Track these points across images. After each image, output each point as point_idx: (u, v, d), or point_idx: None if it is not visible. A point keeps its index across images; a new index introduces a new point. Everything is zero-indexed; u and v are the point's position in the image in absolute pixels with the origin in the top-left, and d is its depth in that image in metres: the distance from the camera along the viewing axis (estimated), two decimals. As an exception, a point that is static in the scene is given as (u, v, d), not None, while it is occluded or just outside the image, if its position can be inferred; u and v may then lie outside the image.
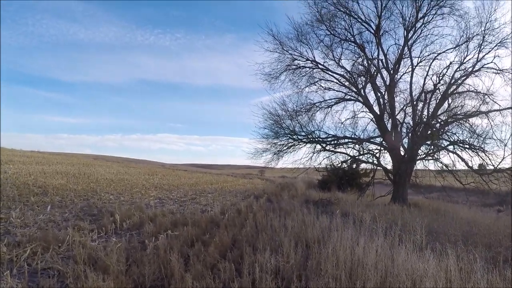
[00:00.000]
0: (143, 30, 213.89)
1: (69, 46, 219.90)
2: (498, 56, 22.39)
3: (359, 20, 24.01)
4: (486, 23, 22.12)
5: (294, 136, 24.83)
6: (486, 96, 22.61)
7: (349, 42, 24.52)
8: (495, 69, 22.54)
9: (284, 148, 24.96)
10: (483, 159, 22.20)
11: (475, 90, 23.14)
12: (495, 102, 22.51)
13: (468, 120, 22.73)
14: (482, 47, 22.51)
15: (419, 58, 24.55)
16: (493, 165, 21.52)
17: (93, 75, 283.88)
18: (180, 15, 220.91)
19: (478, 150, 22.01)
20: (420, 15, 23.33)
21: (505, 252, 9.33)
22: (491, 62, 22.58)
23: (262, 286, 5.83)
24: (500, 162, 21.05)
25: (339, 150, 25.65)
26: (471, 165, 22.46)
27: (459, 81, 23.53)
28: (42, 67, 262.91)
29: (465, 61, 23.21)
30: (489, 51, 22.48)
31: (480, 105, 22.76)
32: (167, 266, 7.10)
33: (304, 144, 25.09)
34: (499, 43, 22.06)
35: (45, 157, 49.74)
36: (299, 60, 24.72)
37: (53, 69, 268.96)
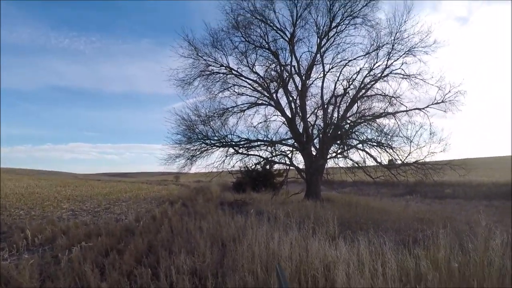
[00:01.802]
0: (57, 32, 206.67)
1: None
2: (406, 63, 23.98)
3: (275, 28, 24.69)
4: (396, 33, 23.53)
5: (207, 141, 24.93)
6: (393, 99, 23.96)
7: (264, 49, 25.13)
8: (403, 74, 24.01)
9: (197, 153, 25.01)
10: (391, 155, 23.36)
11: (383, 93, 24.44)
12: (401, 103, 23.88)
13: (376, 121, 23.88)
14: (391, 54, 23.94)
15: (331, 65, 25.64)
16: (401, 160, 22.69)
17: (3, 81, 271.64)
18: (97, 17, 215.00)
19: (386, 147, 23.26)
20: (334, 24, 24.34)
21: (414, 234, 9.76)
22: (399, 68, 24.11)
23: (179, 287, 5.83)
24: (407, 156, 22.39)
25: (252, 152, 26.02)
26: (379, 161, 23.48)
27: (368, 86, 24.84)
28: None
29: (374, 67, 24.58)
30: (398, 59, 24.00)
31: (387, 106, 23.98)
32: (83, 277, 6.97)
33: (217, 148, 25.31)
34: (407, 51, 23.56)
35: None
36: (213, 66, 25.00)
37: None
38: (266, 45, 24.84)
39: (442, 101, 22.84)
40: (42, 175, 68.89)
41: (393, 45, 23.55)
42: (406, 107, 23.74)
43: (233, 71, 25.11)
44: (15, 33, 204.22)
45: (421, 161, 22.32)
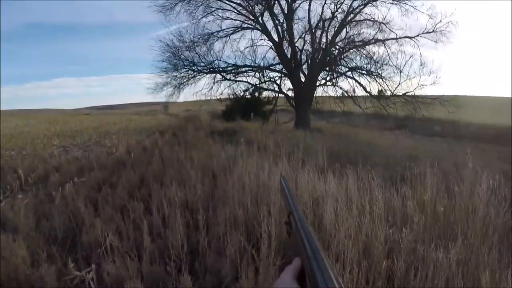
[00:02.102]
0: None
1: None
2: None
3: None
4: None
5: (193, 67, 24.97)
6: (382, 25, 23.53)
7: (246, -30, 24.08)
8: None
9: (185, 80, 25.18)
10: (380, 85, 23.38)
11: (372, 19, 23.93)
12: (391, 31, 23.69)
13: (365, 47, 23.68)
14: None
15: (317, -14, 24.56)
16: (390, 91, 22.68)
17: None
18: None
19: (375, 76, 23.25)
20: None
21: (402, 171, 9.91)
22: None
23: (171, 221, 5.94)
24: (396, 87, 22.38)
25: (240, 78, 25.99)
26: (369, 90, 23.50)
27: (357, 10, 24.19)
28: None
29: None
30: None
31: (376, 33, 23.69)
32: (77, 214, 7.05)
33: (204, 74, 25.39)
34: None
35: None
36: (194, -12, 24.07)
37: None
38: None
39: (433, 31, 22.67)
40: (29, 114, 68.17)
41: None
42: (396, 34, 23.65)
43: (215, -6, 24.39)
44: None
45: (410, 93, 22.36)
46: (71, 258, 5.22)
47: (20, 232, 6.28)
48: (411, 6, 22.85)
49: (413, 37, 23.25)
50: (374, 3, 23.80)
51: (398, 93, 22.59)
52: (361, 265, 4.19)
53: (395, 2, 23.21)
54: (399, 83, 22.45)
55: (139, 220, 6.36)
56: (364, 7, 24.18)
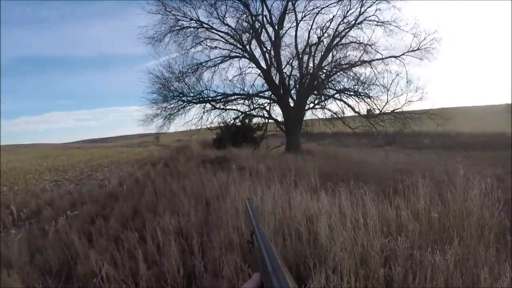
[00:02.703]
0: (17, 1, 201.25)
1: None
2: (380, 9, 23.58)
3: None
4: None
5: (183, 98, 25.02)
6: (368, 46, 23.92)
7: (233, 0, 24.42)
8: (377, 21, 23.78)
9: (175, 111, 25.14)
10: (368, 104, 23.62)
11: (358, 41, 24.26)
12: (377, 51, 23.95)
13: (352, 69, 24.04)
14: (364, 1, 23.56)
15: (303, 13, 25.11)
16: (379, 109, 22.88)
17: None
18: None
19: (363, 96, 23.45)
20: None
21: (394, 185, 9.93)
22: (373, 15, 23.77)
23: (166, 248, 5.93)
24: (384, 105, 22.61)
25: (229, 107, 26.09)
26: (358, 111, 23.71)
27: (343, 34, 24.63)
28: None
29: (348, 14, 24.25)
30: (371, 5, 23.66)
31: (362, 54, 24.07)
32: (71, 247, 7.00)
33: (194, 104, 25.41)
34: None
35: None
36: (183, 20, 24.58)
37: None
38: None
39: (418, 49, 22.88)
40: (20, 149, 68.24)
41: None
42: (382, 55, 23.86)
43: (204, 25, 24.76)
44: None
45: (398, 110, 22.57)
46: (67, 289, 5.21)
47: (15, 266, 6.24)
48: (396, 26, 23.18)
49: (399, 56, 23.46)
50: (359, 25, 24.18)
51: (386, 111, 22.76)
52: (359, 274, 4.21)
53: (380, 24, 23.60)
54: (387, 101, 22.64)
55: (133, 249, 6.34)
56: (349, 30, 24.50)
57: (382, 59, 23.68)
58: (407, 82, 22.59)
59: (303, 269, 5.04)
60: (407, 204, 6.39)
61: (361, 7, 23.66)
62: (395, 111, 22.63)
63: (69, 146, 75.50)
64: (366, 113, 24.23)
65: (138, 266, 5.34)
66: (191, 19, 24.46)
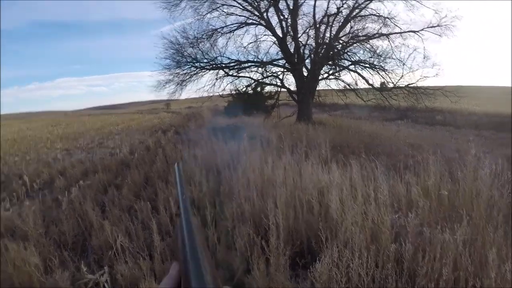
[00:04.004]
0: None
1: None
2: None
3: None
4: None
5: (196, 64, 24.75)
6: (387, 20, 23.36)
7: (253, -34, 24.00)
8: None
9: (187, 77, 24.91)
10: (383, 77, 23.35)
11: (377, 14, 23.75)
12: (396, 25, 23.36)
13: (369, 42, 23.62)
14: None
15: (324, -18, 24.43)
16: (393, 83, 22.67)
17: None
18: None
19: (378, 69, 23.15)
20: None
21: (404, 160, 9.91)
22: None
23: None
24: (399, 79, 22.33)
25: (242, 74, 25.88)
26: (371, 83, 23.48)
27: (363, 5, 24.00)
28: None
29: None
30: None
31: (381, 27, 23.59)
32: (85, 218, 7.10)
33: (207, 71, 25.13)
34: None
35: None
36: (200, -16, 24.08)
37: None
38: None
39: (438, 25, 22.37)
40: (32, 117, 68.39)
41: None
42: (401, 29, 23.37)
43: (221, -11, 24.34)
44: None
45: (413, 84, 22.33)
46: (84, 262, 5.29)
47: (30, 239, 6.30)
48: (417, 1, 22.53)
49: (418, 31, 22.97)
50: (380, -2, 23.68)
51: (400, 85, 22.56)
52: (370, 250, 4.24)
53: None
54: (402, 75, 22.35)
55: (147, 220, 6.41)
56: (370, 2, 23.92)
57: (401, 33, 23.26)
58: (424, 58, 22.24)
59: (315, 242, 5.09)
60: (418, 180, 6.40)
61: None
62: (409, 85, 22.43)
63: (80, 113, 75.55)
64: (379, 86, 24.04)
65: (152, 237, 5.40)
66: (209, -16, 24.10)
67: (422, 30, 22.99)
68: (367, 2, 23.91)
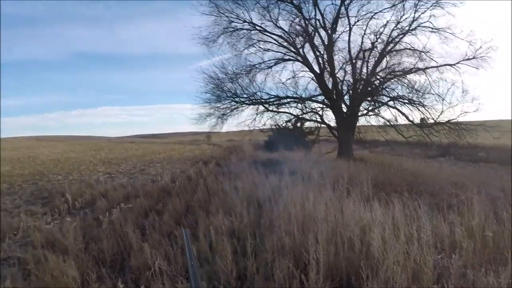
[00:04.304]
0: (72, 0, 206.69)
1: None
2: (434, 16, 23.11)
3: None
4: None
5: (236, 99, 25.11)
6: (422, 54, 23.39)
7: (286, 3, 24.41)
8: (431, 28, 23.20)
9: (228, 111, 25.28)
10: (423, 113, 23.11)
11: (412, 48, 23.77)
12: (431, 59, 23.34)
13: (406, 77, 23.54)
14: (418, 6, 23.10)
15: (357, 18, 24.75)
16: (433, 119, 22.39)
17: (25, 53, 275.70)
18: None
19: (417, 105, 22.99)
20: None
21: (448, 199, 9.74)
22: (427, 21, 23.27)
23: (219, 247, 5.99)
24: (439, 115, 22.04)
25: (282, 110, 26.01)
26: (411, 119, 23.27)
27: (397, 40, 24.14)
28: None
29: (401, 20, 23.80)
30: (425, 11, 23.17)
31: (417, 62, 23.54)
32: (125, 239, 7.18)
33: (247, 106, 25.40)
34: (434, 3, 22.69)
35: (-15, 145, 48.47)
36: (236, 22, 24.68)
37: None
38: None
39: (474, 57, 22.15)
40: (75, 140, 69.97)
41: None
42: (437, 62, 23.29)
43: (257, 27, 24.86)
44: (29, 6, 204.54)
45: (453, 120, 21.99)
46: (121, 280, 5.34)
47: (70, 253, 6.46)
48: (451, 33, 22.67)
49: (454, 64, 22.85)
50: (413, 31, 23.77)
51: (441, 121, 22.23)
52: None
53: (434, 30, 23.12)
54: (442, 111, 22.03)
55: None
56: (403, 36, 24.12)
57: (437, 66, 23.19)
58: (463, 92, 21.92)
59: (354, 279, 5.03)
60: (462, 220, 6.28)
61: (415, 13, 23.30)
62: (450, 121, 22.12)
63: (122, 140, 76.82)
64: (419, 122, 23.77)
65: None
66: (244, 21, 24.68)
67: (458, 63, 22.90)
68: (400, 36, 24.09)
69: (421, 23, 23.40)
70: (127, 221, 8.37)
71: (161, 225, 8.25)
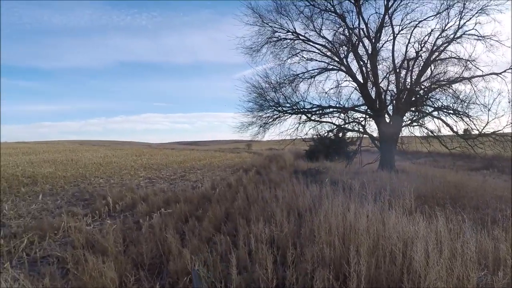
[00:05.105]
0: (118, 10, 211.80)
1: (44, 33, 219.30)
2: (479, 23, 22.39)
3: None
4: None
5: (279, 108, 24.89)
6: (468, 62, 22.72)
7: (330, 12, 24.15)
8: (477, 35, 22.51)
9: (270, 120, 25.05)
10: (467, 124, 22.47)
11: (457, 57, 23.18)
12: (477, 68, 22.62)
13: (451, 86, 22.94)
14: (463, 14, 22.41)
15: (400, 26, 24.31)
16: (478, 130, 21.80)
17: (72, 61, 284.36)
18: None
19: (462, 115, 22.32)
20: None
21: (492, 213, 9.51)
22: (473, 29, 22.56)
23: (258, 256, 5.96)
24: (485, 126, 21.37)
25: (324, 119, 25.76)
26: (456, 130, 22.72)
27: (441, 48, 23.51)
28: (18, 56, 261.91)
29: (446, 28, 23.17)
30: (470, 18, 22.44)
31: (462, 71, 22.92)
32: (164, 243, 7.23)
33: (290, 115, 25.21)
34: (480, 10, 22.00)
35: (30, 147, 49.97)
36: (279, 32, 24.57)
37: (29, 58, 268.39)
38: (332, 8, 23.91)
39: None
40: (117, 145, 71.00)
41: (464, 4, 22.10)
42: (482, 71, 22.43)
43: (300, 37, 24.66)
44: (76, 17, 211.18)
45: (499, 131, 21.40)
46: (159, 283, 5.38)
47: (109, 255, 6.55)
48: (496, 41, 22.03)
49: (500, 73, 21.95)
50: (458, 40, 23.15)
51: (486, 132, 21.65)
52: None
53: (480, 38, 22.46)
54: (487, 122, 21.36)
55: (226, 253, 6.42)
56: (448, 45, 23.52)
57: (483, 76, 22.44)
58: (509, 102, 21.31)
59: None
60: (506, 236, 6.12)
61: (459, 20, 22.69)
62: (495, 132, 21.53)
63: (163, 146, 77.47)
64: (463, 133, 23.20)
65: (229, 270, 5.39)
66: (288, 31, 24.54)
67: (505, 71, 21.98)
68: (445, 45, 23.47)
69: (466, 31, 22.83)
70: (167, 226, 8.46)
71: (201, 231, 8.29)
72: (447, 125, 22.99)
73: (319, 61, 25.53)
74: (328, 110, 25.44)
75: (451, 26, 23.06)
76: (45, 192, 15.16)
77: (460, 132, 23.09)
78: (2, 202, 12.84)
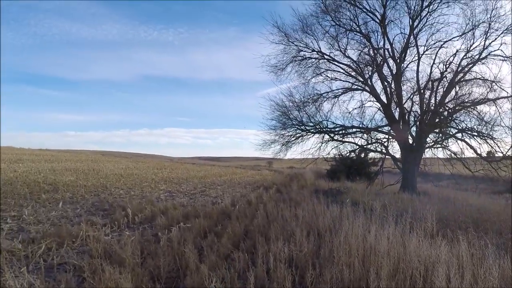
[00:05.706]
0: (145, 26, 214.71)
1: (72, 45, 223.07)
2: (505, 43, 22.03)
3: (364, 10, 23.66)
4: (492, 10, 21.67)
5: (302, 127, 24.87)
6: (493, 84, 22.30)
7: (355, 32, 24.22)
8: (502, 56, 22.16)
9: (292, 139, 25.02)
10: (491, 146, 22.11)
11: (482, 78, 22.79)
12: (502, 89, 22.18)
13: (476, 108, 22.57)
14: (488, 34, 22.10)
15: (425, 47, 24.13)
16: (502, 152, 21.48)
17: (98, 73, 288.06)
18: (182, 9, 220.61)
19: (486, 137, 21.91)
20: (425, 3, 22.83)
21: (515, 238, 9.34)
22: (498, 49, 22.19)
23: (277, 275, 5.90)
24: (509, 149, 21.02)
25: (347, 139, 25.66)
26: (479, 153, 22.38)
27: (466, 69, 23.18)
28: (46, 66, 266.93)
29: (471, 48, 22.84)
30: (496, 38, 22.09)
31: (487, 92, 22.52)
32: (182, 257, 7.19)
33: (312, 134, 25.13)
34: (505, 30, 21.67)
35: (53, 155, 50.47)
36: (305, 51, 24.57)
37: (57, 68, 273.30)
38: (357, 28, 24.01)
39: None
40: (139, 158, 71.76)
41: (489, 24, 21.80)
42: (507, 93, 21.99)
43: (325, 56, 24.63)
44: (104, 30, 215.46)
45: (524, 155, 21.01)
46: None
47: (127, 266, 6.54)
48: None
49: None
50: (483, 60, 22.75)
51: (511, 155, 21.23)
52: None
53: (505, 58, 22.06)
54: (512, 145, 21.10)
55: (244, 270, 6.38)
56: (473, 66, 23.12)
57: (508, 97, 22.08)
58: (534, 124, 20.97)
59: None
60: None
61: (485, 41, 22.35)
62: (520, 156, 21.14)
63: (184, 161, 78.02)
64: (486, 156, 22.85)
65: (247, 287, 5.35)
66: (313, 50, 24.54)
67: None
68: (470, 65, 23.13)
69: (492, 51, 22.47)
70: (185, 240, 8.41)
71: (219, 247, 8.20)
72: (471, 147, 22.67)
73: (343, 80, 25.53)
74: (351, 130, 25.34)
75: (476, 47, 22.72)
76: (66, 200, 15.34)
77: (484, 154, 22.78)
78: (23, 207, 12.96)
